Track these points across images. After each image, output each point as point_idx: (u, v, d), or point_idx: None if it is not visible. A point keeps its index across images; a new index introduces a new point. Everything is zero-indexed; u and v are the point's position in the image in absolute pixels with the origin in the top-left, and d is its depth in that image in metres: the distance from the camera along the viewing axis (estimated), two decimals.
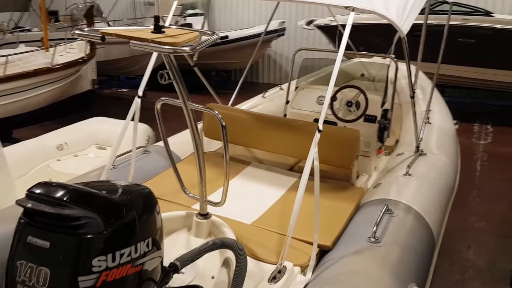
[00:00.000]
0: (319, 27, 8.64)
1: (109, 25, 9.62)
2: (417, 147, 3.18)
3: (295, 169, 3.06)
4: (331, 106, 3.27)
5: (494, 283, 3.48)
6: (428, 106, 3.63)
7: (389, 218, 2.30)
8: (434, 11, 7.81)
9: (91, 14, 6.69)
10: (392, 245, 2.12)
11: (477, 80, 7.83)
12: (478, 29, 7.36)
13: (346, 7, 2.20)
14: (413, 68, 3.91)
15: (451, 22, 7.48)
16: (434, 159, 3.15)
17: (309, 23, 8.93)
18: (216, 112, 1.99)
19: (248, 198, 2.63)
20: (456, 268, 3.66)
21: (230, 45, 9.44)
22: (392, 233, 2.21)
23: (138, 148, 3.07)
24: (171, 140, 3.41)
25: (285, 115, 3.63)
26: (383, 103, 3.26)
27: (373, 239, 2.11)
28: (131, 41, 1.61)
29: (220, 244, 1.96)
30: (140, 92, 2.53)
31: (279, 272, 1.90)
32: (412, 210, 2.45)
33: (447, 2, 7.28)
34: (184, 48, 1.59)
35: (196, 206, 2.49)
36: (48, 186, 1.46)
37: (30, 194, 1.43)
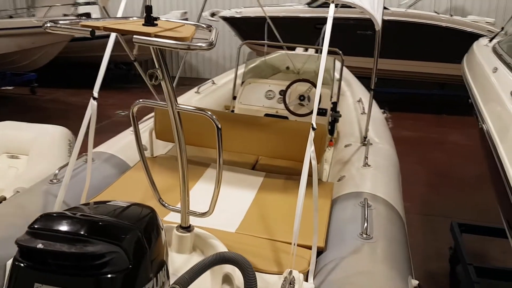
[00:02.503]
0: (225, 18, 8.53)
1: None
2: (365, 137, 3.26)
3: (257, 167, 2.95)
4: (284, 100, 3.20)
5: (432, 261, 3.73)
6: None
7: (370, 211, 2.31)
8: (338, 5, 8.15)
9: None
10: (382, 240, 2.13)
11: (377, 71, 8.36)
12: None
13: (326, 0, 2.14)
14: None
15: (351, 15, 7.94)
16: (381, 148, 3.25)
17: (213, 14, 8.78)
18: (209, 113, 1.79)
19: (221, 204, 2.46)
20: None
21: (129, 36, 8.89)
22: (377, 227, 2.21)
23: (80, 156, 2.71)
24: (110, 144, 3.08)
25: (232, 111, 3.48)
26: (332, 96, 3.28)
27: (365, 235, 2.09)
28: (135, 37, 1.36)
29: (220, 259, 1.78)
30: (95, 93, 2.21)
31: (291, 283, 1.78)
32: (384, 201, 2.49)
33: None
34: (200, 44, 1.39)
35: (170, 218, 2.26)
36: (56, 218, 1.18)
37: (35, 231, 1.13)
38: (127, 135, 3.20)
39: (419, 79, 8.52)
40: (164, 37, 1.39)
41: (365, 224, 2.12)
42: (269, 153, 2.78)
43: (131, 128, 3.34)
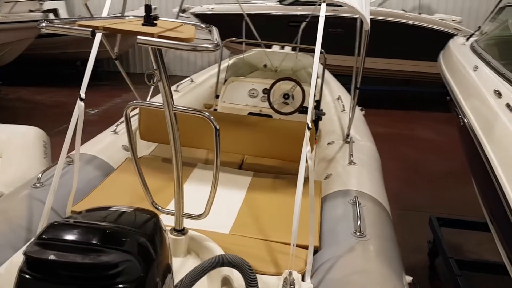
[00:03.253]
0: (196, 15, 8.43)
1: None
2: (347, 135, 3.29)
3: (244, 167, 2.93)
4: (268, 99, 3.19)
5: (411, 255, 3.81)
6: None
7: (361, 210, 2.33)
8: (307, 2, 8.22)
9: None
10: (375, 237, 2.15)
11: (346, 68, 8.47)
12: (346, 19, 7.93)
13: None
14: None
15: (311, 13, 7.99)
16: (363, 145, 3.29)
17: (184, 10, 8.66)
18: (207, 114, 1.75)
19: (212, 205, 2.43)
20: None
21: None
22: (369, 224, 2.24)
23: (66, 157, 2.62)
24: (91, 145, 2.99)
25: (215, 109, 3.44)
26: (315, 94, 3.29)
27: (358, 233, 2.11)
28: (139, 37, 1.32)
29: (220, 262, 1.76)
30: (82, 94, 2.13)
31: (291, 284, 1.78)
32: (372, 198, 2.52)
33: None
34: (206, 45, 1.35)
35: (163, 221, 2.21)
36: (65, 227, 1.13)
37: (45, 242, 1.08)
38: (108, 135, 3.11)
39: (387, 76, 8.68)
40: (167, 38, 1.35)
41: (358, 222, 2.14)
42: (256, 152, 2.76)
43: (111, 128, 3.26)
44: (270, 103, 3.19)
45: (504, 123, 2.11)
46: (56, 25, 1.36)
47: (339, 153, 3.11)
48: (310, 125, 1.96)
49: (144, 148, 3.05)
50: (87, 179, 2.58)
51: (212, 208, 2.38)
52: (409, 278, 2.02)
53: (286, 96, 3.19)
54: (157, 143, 2.93)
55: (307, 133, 1.96)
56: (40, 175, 2.33)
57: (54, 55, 8.86)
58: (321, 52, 3.66)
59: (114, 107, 7.77)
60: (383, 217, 2.42)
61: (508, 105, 2.15)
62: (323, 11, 2.09)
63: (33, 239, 1.13)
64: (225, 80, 3.57)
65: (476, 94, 2.51)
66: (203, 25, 1.68)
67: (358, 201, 2.35)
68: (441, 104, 9.07)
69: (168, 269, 1.36)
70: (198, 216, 1.93)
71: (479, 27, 3.41)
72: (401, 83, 9.05)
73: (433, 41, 7.82)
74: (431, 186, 5.18)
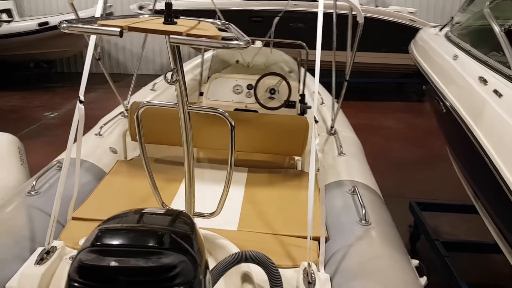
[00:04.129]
0: (156, 11, 8.25)
1: None
2: (332, 127, 3.35)
3: (238, 163, 2.92)
4: (254, 94, 3.19)
5: None
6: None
7: (362, 198, 2.39)
8: None
9: None
10: (379, 224, 2.21)
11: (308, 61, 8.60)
12: (307, 13, 8.05)
13: None
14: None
15: (284, 8, 8.06)
16: (346, 136, 3.36)
17: (141, 7, 8.48)
18: (221, 111, 1.74)
19: (214, 202, 2.41)
20: None
21: (51, 32, 8.33)
22: (370, 212, 2.30)
23: (52, 164, 2.52)
24: (75, 149, 2.88)
25: None
26: (299, 89, 3.33)
27: (364, 222, 2.16)
28: (172, 36, 1.29)
29: (241, 258, 1.75)
30: (81, 96, 2.06)
31: (311, 275, 1.80)
32: (367, 186, 2.59)
33: None
34: (236, 42, 1.34)
35: None
36: (117, 232, 1.10)
37: (101, 249, 1.05)
38: (92, 138, 3.01)
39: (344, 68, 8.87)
40: (196, 36, 1.33)
41: (363, 211, 2.19)
42: (249, 148, 2.77)
43: (94, 131, 3.15)
44: (257, 98, 3.20)
45: (493, 108, 2.22)
46: (80, 25, 1.30)
47: (326, 145, 3.16)
48: (317, 118, 1.98)
49: (132, 149, 2.98)
50: (83, 184, 2.49)
51: (211, 205, 2.37)
52: (415, 262, 2.09)
53: (272, 91, 3.21)
54: (149, 143, 2.87)
55: (315, 126, 1.98)
56: (34, 182, 2.23)
57: (4, 57, 8.44)
58: (303, 46, 3.71)
59: (74, 110, 7.48)
60: (379, 204, 2.49)
61: (495, 91, 2.26)
62: (321, 6, 2.11)
63: (85, 246, 1.09)
64: (208, 77, 3.54)
65: (460, 82, 2.63)
66: (219, 22, 1.66)
67: (358, 191, 2.41)
68: (398, 94, 9.41)
69: (207, 266, 1.35)
70: (211, 215, 1.92)
71: (452, 18, 3.57)
72: (358, 75, 9.29)
73: (391, 33, 8.08)
74: (403, 173, 5.37)
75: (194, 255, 1.17)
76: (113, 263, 1.02)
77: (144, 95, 3.84)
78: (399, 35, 7.79)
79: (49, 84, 8.95)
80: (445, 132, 3.06)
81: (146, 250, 1.06)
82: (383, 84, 9.53)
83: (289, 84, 3.18)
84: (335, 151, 2.98)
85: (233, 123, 1.74)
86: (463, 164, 2.74)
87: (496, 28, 2.54)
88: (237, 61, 4.45)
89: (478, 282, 3.15)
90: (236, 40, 1.35)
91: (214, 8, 7.84)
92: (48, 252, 1.79)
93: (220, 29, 1.52)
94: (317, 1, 7.55)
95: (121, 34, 1.28)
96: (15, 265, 1.76)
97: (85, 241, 1.15)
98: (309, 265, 1.82)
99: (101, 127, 3.05)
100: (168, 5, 1.44)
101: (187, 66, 4.57)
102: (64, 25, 1.31)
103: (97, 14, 2.32)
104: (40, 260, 1.74)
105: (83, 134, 3.12)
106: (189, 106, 1.71)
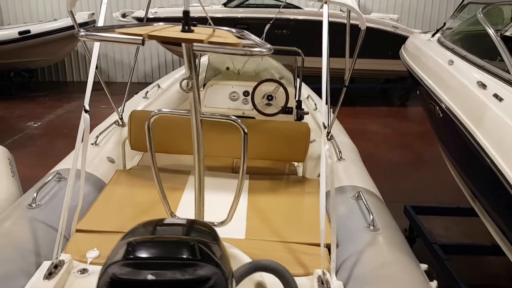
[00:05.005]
0: (138, 19, 8.20)
1: None
2: (328, 132, 3.35)
3: (237, 170, 2.90)
4: (252, 101, 3.18)
5: None
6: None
7: (368, 204, 2.39)
8: (251, 5, 8.28)
9: None
10: (386, 230, 2.21)
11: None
12: (291, 21, 8.10)
13: (318, 0, 2.17)
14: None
15: (268, 15, 8.08)
16: (343, 141, 3.37)
17: (125, 15, 8.40)
18: (234, 118, 1.72)
19: (218, 211, 2.38)
20: None
21: (32, 41, 8.18)
22: (377, 218, 2.30)
23: (52, 175, 2.46)
24: (71, 159, 2.81)
25: None
26: (296, 95, 3.34)
27: (372, 227, 2.16)
28: (196, 44, 1.27)
29: (255, 268, 1.73)
30: (86, 106, 2.01)
31: (328, 284, 1.79)
32: (369, 191, 2.59)
33: None
34: (259, 49, 1.33)
35: None
36: (149, 244, 1.07)
37: (136, 262, 1.01)
38: (88, 148, 2.95)
39: (332, 75, 8.93)
40: (218, 44, 1.31)
41: (371, 217, 2.19)
42: (250, 154, 2.74)
43: (90, 141, 3.08)
44: (254, 105, 3.19)
45: (495, 112, 2.25)
46: (100, 34, 1.27)
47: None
48: (326, 124, 1.98)
49: (129, 158, 2.93)
50: (84, 195, 2.43)
51: (219, 214, 2.35)
52: (424, 266, 2.10)
53: (269, 97, 3.20)
54: (146, 152, 2.83)
55: (324, 132, 1.97)
56: (35, 194, 2.17)
57: None
58: (299, 53, 3.71)
59: (58, 119, 7.35)
60: (384, 209, 2.50)
61: (496, 95, 2.30)
62: (326, 13, 2.12)
63: (114, 259, 1.05)
64: (204, 85, 3.52)
65: (457, 87, 2.67)
66: (233, 30, 1.65)
67: (363, 197, 2.40)
68: (382, 99, 9.52)
69: (233, 275, 1.33)
70: (221, 223, 1.89)
71: (444, 24, 3.62)
72: (341, 81, 9.36)
73: (374, 40, 8.18)
74: (393, 177, 5.41)
75: (224, 266, 1.15)
76: (150, 277, 0.99)
77: (137, 103, 3.79)
78: (382, 41, 7.90)
79: (31, 94, 8.78)
80: (440, 135, 3.10)
81: (181, 262, 1.03)
82: (367, 90, 9.63)
83: (287, 90, 3.18)
84: (334, 156, 2.98)
85: (245, 130, 1.72)
86: (460, 166, 2.77)
87: (492, 33, 2.59)
88: (228, 68, 4.44)
89: (478, 284, 3.18)
90: (258, 47, 1.34)
91: (199, 16, 7.86)
92: (56, 266, 1.73)
93: (236, 37, 1.51)
94: (301, 9, 7.70)
95: (143, 43, 1.26)
96: (21, 280, 1.70)
97: (112, 254, 1.11)
98: (323, 273, 1.81)
99: (97, 137, 2.99)
100: (186, 12, 1.42)
101: (178, 73, 4.54)
102: (83, 33, 1.28)
103: (100, 23, 2.28)
104: (49, 275, 1.68)
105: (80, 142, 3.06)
106: (202, 114, 1.68)
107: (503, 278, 3.30)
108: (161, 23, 1.59)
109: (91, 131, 3.28)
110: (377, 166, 5.74)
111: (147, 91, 3.96)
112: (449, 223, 4.23)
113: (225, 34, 1.47)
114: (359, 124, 7.60)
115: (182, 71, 4.60)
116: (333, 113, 3.32)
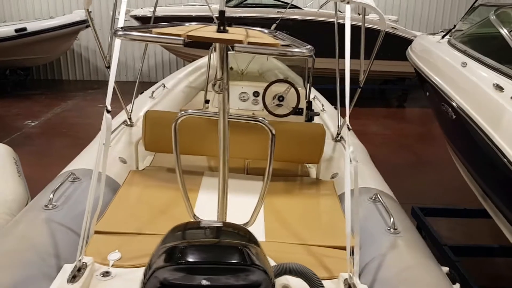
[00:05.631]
0: (137, 18, 8.14)
1: None
2: (338, 134, 3.35)
3: (250, 171, 2.87)
4: (263, 101, 3.15)
5: None
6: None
7: (387, 206, 2.37)
8: (249, 4, 8.26)
9: None
10: (407, 232, 2.19)
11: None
12: (290, 21, 8.08)
13: (341, 0, 2.15)
14: None
15: (267, 15, 8.06)
16: (353, 142, 3.35)
17: None
18: (261, 118, 1.69)
19: (234, 212, 2.35)
20: None
21: (29, 39, 8.09)
22: (396, 220, 2.28)
23: (65, 175, 2.41)
24: (85, 160, 2.77)
25: None
26: (306, 96, 3.32)
27: (393, 230, 2.14)
28: (237, 45, 1.24)
29: (282, 271, 1.71)
30: (108, 106, 1.97)
31: (353, 286, 1.77)
32: (385, 193, 2.58)
33: None
34: (299, 49, 1.31)
35: None
36: (198, 249, 1.04)
37: (187, 267, 0.99)
38: (98, 147, 2.91)
39: (331, 75, 8.96)
40: (257, 44, 1.29)
41: (392, 219, 2.17)
42: (260, 155, 2.72)
43: (101, 140, 3.04)
44: (265, 105, 3.17)
45: None
46: (141, 34, 1.24)
47: (335, 152, 3.15)
48: (350, 126, 1.96)
49: (140, 159, 2.89)
50: (95, 195, 2.39)
51: (236, 216, 2.32)
52: (445, 269, 2.09)
53: (280, 98, 3.18)
54: (163, 153, 2.79)
55: (348, 134, 1.96)
56: (51, 195, 2.13)
57: None
58: (310, 56, 3.69)
59: (55, 118, 7.27)
60: (401, 211, 2.49)
61: None
62: (348, 13, 2.10)
63: (162, 264, 1.02)
64: (214, 85, 3.47)
65: (472, 89, 2.66)
66: (266, 31, 1.62)
67: (381, 199, 2.39)
68: (380, 100, 9.54)
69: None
70: (244, 225, 1.86)
71: (454, 26, 3.63)
72: (339, 81, 9.36)
73: (374, 41, 8.17)
74: (396, 178, 5.41)
75: (269, 270, 1.13)
76: (204, 282, 0.97)
77: (142, 102, 3.75)
78: (382, 42, 7.90)
79: (27, 92, 8.68)
80: (451, 136, 3.10)
81: (232, 267, 1.01)
82: (365, 90, 9.64)
83: (298, 91, 3.16)
84: (347, 157, 2.96)
85: (273, 131, 1.70)
86: (473, 166, 2.77)
87: (507, 35, 2.59)
88: (231, 68, 4.40)
89: (490, 286, 3.19)
90: (297, 47, 1.32)
91: (195, 15, 7.82)
92: (79, 269, 1.70)
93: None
94: (301, 9, 7.66)
95: (184, 43, 1.24)
96: (43, 284, 1.66)
97: (154, 258, 1.09)
98: (350, 277, 1.79)
99: None
100: (222, 12, 1.40)
101: (182, 73, 4.50)
102: (121, 33, 1.25)
103: (121, 23, 2.23)
104: (73, 278, 1.65)
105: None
106: (230, 116, 1.66)
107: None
108: (193, 23, 1.57)
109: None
110: (379, 168, 5.75)
111: (153, 91, 3.92)
112: (452, 224, 4.24)
113: (260, 35, 1.45)
114: (359, 125, 7.61)
115: (186, 71, 4.55)
116: (344, 114, 3.31)
